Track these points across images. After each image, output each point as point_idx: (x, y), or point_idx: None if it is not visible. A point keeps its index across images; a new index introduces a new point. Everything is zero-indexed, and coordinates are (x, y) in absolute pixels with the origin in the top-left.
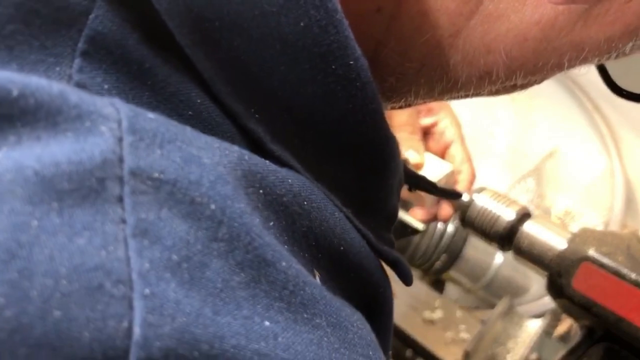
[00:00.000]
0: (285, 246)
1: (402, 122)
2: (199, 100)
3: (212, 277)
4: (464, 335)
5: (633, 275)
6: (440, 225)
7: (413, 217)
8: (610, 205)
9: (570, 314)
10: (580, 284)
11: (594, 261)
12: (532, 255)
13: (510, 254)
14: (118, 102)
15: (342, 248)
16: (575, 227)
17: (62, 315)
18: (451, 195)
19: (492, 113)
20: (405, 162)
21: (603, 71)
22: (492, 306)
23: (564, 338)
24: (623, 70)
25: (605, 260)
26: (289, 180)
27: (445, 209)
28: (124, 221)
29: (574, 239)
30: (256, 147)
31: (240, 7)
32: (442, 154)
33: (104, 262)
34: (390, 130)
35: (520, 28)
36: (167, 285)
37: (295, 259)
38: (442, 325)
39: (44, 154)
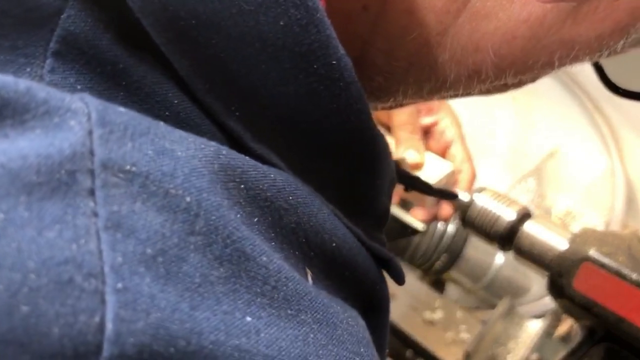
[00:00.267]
0: (273, 243)
1: (402, 121)
2: (176, 101)
3: (190, 272)
4: (465, 335)
5: (634, 276)
6: (440, 225)
7: (413, 217)
8: (611, 205)
9: (571, 314)
10: (581, 284)
11: (594, 261)
12: (532, 256)
13: (510, 254)
14: (87, 97)
15: (334, 244)
16: (576, 227)
17: (30, 311)
18: (447, 195)
19: (493, 113)
20: (399, 163)
21: (599, 69)
22: (492, 306)
23: (564, 338)
24: (620, 68)
25: (606, 260)
26: (272, 176)
27: (446, 208)
28: (95, 214)
29: (574, 239)
30: (237, 146)
31: (217, 5)
32: (443, 154)
33: (74, 255)
34: (378, 130)
35: (509, 26)
36: (141, 280)
37: (280, 254)
38: (442, 325)
39: (10, 149)
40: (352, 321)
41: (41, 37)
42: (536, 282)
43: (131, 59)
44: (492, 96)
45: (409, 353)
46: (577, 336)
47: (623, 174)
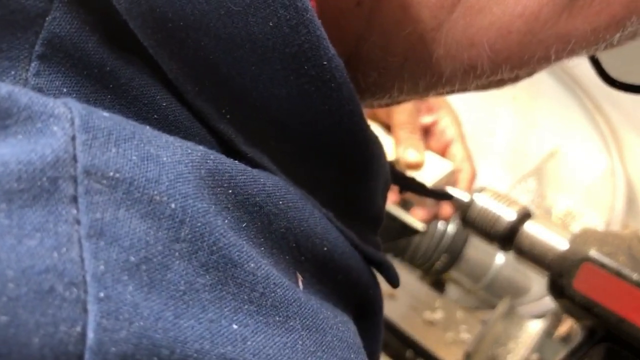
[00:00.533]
0: (262, 248)
1: (402, 120)
2: (164, 104)
3: (174, 280)
4: (465, 335)
5: (634, 276)
6: (440, 225)
7: (413, 217)
8: (612, 205)
9: (571, 314)
10: (581, 284)
11: (595, 261)
12: (532, 256)
13: (511, 254)
14: (71, 102)
15: (325, 249)
16: (576, 227)
17: (9, 320)
18: (442, 196)
19: (493, 112)
20: (394, 163)
21: (596, 62)
22: (492, 307)
23: (565, 339)
24: (616, 61)
25: (606, 260)
26: (261, 180)
27: (446, 208)
28: (78, 222)
29: (575, 239)
30: (229, 149)
31: (204, 6)
32: (443, 153)
33: (55, 264)
34: (371, 131)
35: (503, 21)
36: (124, 288)
37: (269, 260)
38: (442, 325)
39: None
40: (342, 326)
41: (25, 39)
42: (536, 282)
43: (118, 62)
44: (492, 95)
45: (409, 353)
46: (578, 336)
47: (623, 174)
